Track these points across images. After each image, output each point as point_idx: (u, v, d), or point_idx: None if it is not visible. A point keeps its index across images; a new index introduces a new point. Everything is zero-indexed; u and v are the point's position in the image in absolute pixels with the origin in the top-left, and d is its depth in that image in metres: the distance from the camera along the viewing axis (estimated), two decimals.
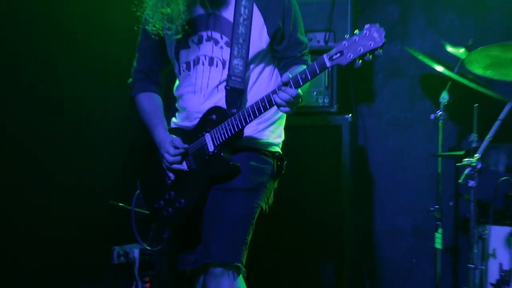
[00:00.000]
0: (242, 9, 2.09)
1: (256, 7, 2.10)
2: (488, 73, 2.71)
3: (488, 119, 2.41)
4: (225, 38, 2.11)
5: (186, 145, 2.11)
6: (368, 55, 1.86)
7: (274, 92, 1.96)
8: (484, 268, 2.56)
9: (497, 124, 2.31)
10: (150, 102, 2.24)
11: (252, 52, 2.11)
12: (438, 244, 2.99)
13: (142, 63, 2.27)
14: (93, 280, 3.04)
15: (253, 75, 2.14)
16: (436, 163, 3.07)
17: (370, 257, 3.41)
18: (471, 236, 2.39)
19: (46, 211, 2.81)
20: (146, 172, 2.24)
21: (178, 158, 2.10)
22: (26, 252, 2.73)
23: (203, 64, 2.13)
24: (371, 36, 1.84)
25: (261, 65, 2.16)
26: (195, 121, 2.13)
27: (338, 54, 1.88)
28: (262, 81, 2.16)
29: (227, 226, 2.04)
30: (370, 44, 1.84)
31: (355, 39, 1.86)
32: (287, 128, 2.25)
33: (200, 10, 2.12)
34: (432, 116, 3.02)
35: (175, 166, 2.11)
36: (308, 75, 1.91)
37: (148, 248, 2.49)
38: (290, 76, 1.92)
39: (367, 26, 1.86)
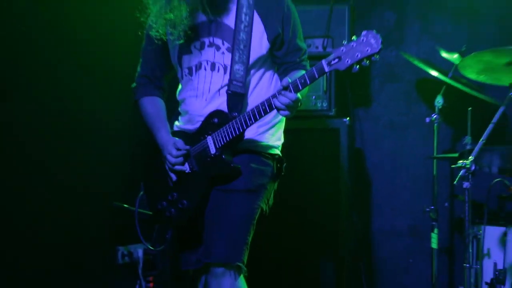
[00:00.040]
0: (243, 16, 2.09)
1: (257, 14, 2.11)
2: (481, 78, 2.71)
3: (481, 123, 2.41)
4: (226, 44, 2.11)
5: (188, 147, 2.10)
6: (365, 60, 1.86)
7: (274, 96, 1.96)
8: (479, 267, 2.54)
9: (490, 127, 2.31)
10: (153, 106, 2.24)
11: (253, 57, 2.11)
12: (434, 244, 2.98)
13: (145, 68, 2.27)
14: (98, 279, 3.03)
15: (253, 80, 2.15)
16: (431, 165, 3.07)
17: (368, 257, 3.40)
18: (466, 236, 2.38)
19: (54, 212, 2.81)
20: (149, 174, 2.24)
21: (180, 159, 2.10)
22: (35, 252, 2.72)
23: (205, 69, 2.13)
24: (368, 42, 1.84)
25: (261, 70, 2.17)
26: (197, 124, 2.13)
27: (336, 60, 1.88)
28: (262, 86, 2.16)
29: (228, 227, 2.04)
30: (367, 50, 1.85)
31: (352, 45, 1.86)
32: (286, 131, 2.25)
33: (202, 17, 2.12)
34: (428, 120, 3.02)
35: (177, 167, 2.11)
36: (307, 79, 1.92)
37: (151, 248, 2.48)
38: (290, 80, 1.92)
39: (364, 32, 1.86)
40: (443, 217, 3.20)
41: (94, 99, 2.98)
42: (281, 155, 2.20)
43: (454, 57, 2.97)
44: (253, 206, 2.09)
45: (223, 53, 2.12)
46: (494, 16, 3.27)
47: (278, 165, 2.18)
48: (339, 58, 1.88)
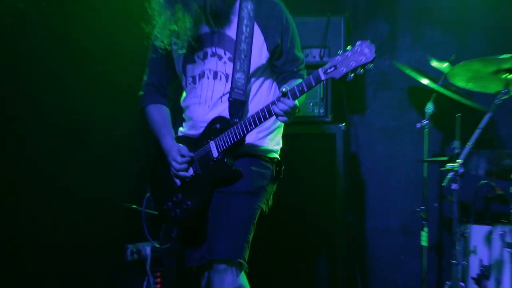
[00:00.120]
0: (244, 27, 2.09)
1: (257, 26, 2.11)
2: (470, 86, 2.70)
3: (469, 128, 2.40)
4: (228, 54, 2.11)
5: (192, 154, 2.10)
6: (359, 69, 1.87)
7: (273, 103, 1.96)
8: (466, 263, 2.54)
9: (477, 132, 2.30)
10: (159, 113, 2.24)
11: (253, 66, 2.11)
12: (424, 242, 2.97)
13: (151, 77, 2.27)
14: (109, 275, 3.03)
15: (253, 88, 2.15)
16: (422, 168, 3.06)
17: (362, 254, 3.38)
18: (454, 235, 2.37)
19: (69, 214, 2.81)
20: (155, 177, 2.24)
21: (185, 166, 2.10)
22: (51, 250, 2.73)
23: (208, 77, 2.13)
24: (362, 52, 1.84)
25: (261, 79, 2.17)
26: (201, 130, 2.13)
27: (332, 68, 1.88)
28: (262, 93, 2.16)
29: (230, 226, 2.04)
30: (361, 59, 1.85)
31: (347, 55, 1.86)
32: (285, 136, 2.25)
33: (205, 29, 2.12)
34: (419, 125, 3.01)
35: (181, 173, 2.11)
36: (305, 87, 1.92)
37: (157, 246, 2.48)
38: (288, 88, 1.92)
39: (358, 42, 1.86)
40: (432, 216, 3.19)
41: (105, 108, 2.98)
42: (279, 158, 2.20)
43: (444, 66, 2.96)
44: (254, 207, 2.09)
45: (225, 62, 2.12)
46: (482, 27, 3.26)
47: (277, 168, 2.18)
48: (335, 67, 1.88)
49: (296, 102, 1.94)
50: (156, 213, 2.23)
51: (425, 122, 2.99)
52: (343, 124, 3.08)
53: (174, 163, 2.10)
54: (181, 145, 2.14)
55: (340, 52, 1.88)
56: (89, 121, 2.93)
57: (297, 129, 2.93)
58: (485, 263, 2.50)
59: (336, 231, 3.04)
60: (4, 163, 2.58)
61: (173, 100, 2.31)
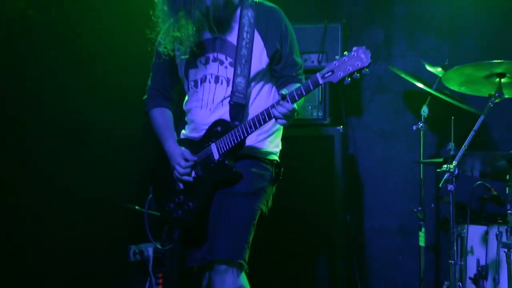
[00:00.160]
0: (245, 34, 2.10)
1: (257, 32, 2.11)
2: (463, 90, 2.70)
3: (463, 130, 2.41)
4: (229, 59, 2.12)
5: (195, 158, 2.10)
6: (356, 73, 1.87)
7: (272, 106, 1.96)
8: (463, 263, 2.53)
9: (471, 134, 2.30)
10: (162, 116, 2.24)
11: (253, 71, 2.11)
12: (422, 242, 2.96)
13: (155, 81, 2.27)
14: (112, 276, 3.01)
15: (254, 92, 2.15)
16: (418, 169, 3.06)
17: (361, 254, 3.37)
18: (451, 235, 2.36)
19: (73, 215, 2.81)
20: (158, 179, 2.23)
21: (188, 170, 2.10)
22: (55, 250, 2.72)
23: (209, 82, 2.13)
24: (359, 57, 1.85)
25: (261, 83, 2.17)
26: (202, 132, 2.13)
27: (330, 73, 1.89)
28: (262, 97, 2.16)
29: (230, 227, 2.03)
30: (358, 64, 1.85)
31: (344, 60, 1.87)
32: (285, 138, 2.25)
33: (207, 35, 2.13)
34: (414, 128, 3.01)
35: (185, 177, 2.11)
36: (303, 91, 1.92)
37: (159, 247, 2.47)
38: (287, 92, 1.92)
39: (355, 48, 1.87)
40: (429, 217, 3.18)
41: (107, 111, 2.98)
42: (279, 160, 2.20)
43: (438, 70, 2.97)
44: (254, 208, 2.08)
45: (226, 67, 2.12)
46: (474, 33, 3.27)
47: (277, 170, 2.18)
48: (332, 71, 1.88)
49: (295, 105, 1.94)
50: (158, 214, 2.23)
51: (420, 124, 2.99)
52: (341, 126, 3.08)
53: (178, 167, 2.10)
54: (184, 148, 2.14)
55: (337, 57, 1.89)
56: (94, 124, 2.93)
57: (296, 132, 2.93)
58: (482, 263, 2.48)
59: (335, 232, 3.03)
60: (9, 165, 2.58)
61: (176, 103, 2.32)
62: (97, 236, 2.91)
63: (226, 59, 2.12)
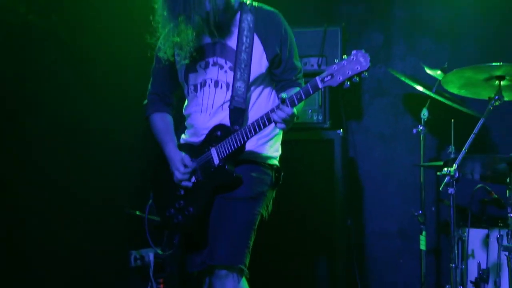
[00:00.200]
0: (244, 38, 2.08)
1: (257, 37, 2.10)
2: (462, 92, 2.69)
3: (463, 133, 2.39)
4: (229, 64, 2.10)
5: (194, 164, 2.08)
6: (355, 77, 1.85)
7: (272, 110, 1.94)
8: (464, 267, 2.51)
9: (471, 137, 2.28)
10: (162, 121, 2.22)
11: (253, 75, 2.09)
12: (423, 245, 2.94)
13: (155, 86, 2.26)
14: (113, 281, 3.00)
15: (253, 96, 2.13)
16: (418, 173, 3.04)
17: (362, 257, 3.35)
18: (451, 238, 2.34)
19: (74, 220, 2.81)
20: (158, 184, 2.22)
21: (187, 176, 2.08)
22: (56, 256, 2.71)
23: (209, 86, 2.12)
24: (358, 61, 1.83)
25: (261, 87, 2.15)
26: (202, 137, 2.11)
27: (329, 77, 1.87)
28: (262, 101, 2.14)
29: (231, 232, 2.01)
30: (357, 68, 1.84)
31: (343, 64, 1.85)
32: (285, 142, 2.22)
33: (207, 39, 2.12)
34: (414, 131, 2.99)
35: (184, 183, 2.09)
36: (303, 95, 1.91)
37: (160, 252, 2.46)
38: (287, 96, 1.91)
39: (354, 52, 1.85)
40: (430, 220, 3.16)
41: (109, 117, 2.98)
42: (279, 165, 2.18)
43: (437, 73, 2.95)
44: (254, 212, 2.06)
45: (226, 71, 2.10)
46: (474, 36, 3.26)
47: (277, 174, 2.16)
48: (332, 75, 1.87)
49: (294, 110, 1.92)
50: (159, 219, 2.21)
51: (420, 127, 2.98)
52: (341, 130, 3.06)
53: (176, 173, 2.09)
54: (183, 153, 2.12)
55: (336, 61, 1.87)
56: (94, 127, 2.92)
57: (296, 135, 2.92)
58: (483, 266, 2.46)
59: (336, 235, 3.01)
60: (11, 168, 2.57)
61: (176, 108, 2.30)
62: (99, 241, 2.90)
63: (226, 63, 2.10)
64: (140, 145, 2.95)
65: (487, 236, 2.54)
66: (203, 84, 2.13)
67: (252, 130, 1.98)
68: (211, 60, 2.12)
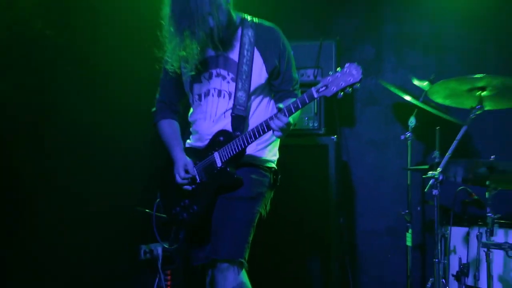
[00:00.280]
0: (245, 51, 2.11)
1: (257, 50, 2.13)
2: (447, 102, 2.70)
3: (447, 139, 2.40)
4: (231, 75, 2.13)
5: (195, 172, 2.10)
6: (348, 88, 1.87)
7: (271, 118, 1.96)
8: (447, 262, 2.52)
9: (455, 143, 2.29)
10: (169, 127, 2.25)
11: (253, 86, 2.12)
12: (409, 242, 2.95)
13: (163, 95, 2.28)
14: (124, 273, 3.02)
15: (253, 105, 2.15)
16: (406, 176, 3.05)
17: (353, 253, 3.35)
18: (435, 235, 2.35)
19: (88, 218, 2.82)
20: (165, 184, 2.24)
21: (186, 181, 2.11)
22: (72, 250, 2.73)
23: (212, 95, 2.14)
24: (351, 73, 1.85)
25: (260, 97, 2.18)
26: (206, 142, 2.14)
27: (324, 87, 1.89)
28: (261, 109, 2.17)
29: (232, 228, 2.03)
30: (350, 80, 1.86)
31: (337, 75, 1.87)
32: (282, 147, 2.25)
33: (211, 52, 2.14)
34: (402, 137, 3.00)
35: (184, 187, 2.12)
36: (299, 104, 1.93)
37: (166, 246, 2.47)
38: (284, 106, 1.94)
39: (347, 64, 1.87)
40: (416, 219, 3.16)
41: (121, 125, 2.99)
42: (276, 168, 2.20)
43: (424, 84, 2.96)
44: (253, 211, 2.08)
45: (228, 82, 2.13)
46: (458, 50, 3.27)
47: (274, 176, 2.18)
48: (326, 86, 1.89)
49: (290, 119, 1.95)
50: (166, 216, 2.23)
51: (408, 134, 2.99)
52: (335, 136, 3.07)
53: (177, 176, 2.12)
54: (189, 159, 2.14)
55: (331, 73, 1.89)
56: (109, 136, 2.94)
57: (293, 141, 2.91)
58: (464, 261, 2.47)
59: (329, 233, 3.01)
60: (31, 173, 2.59)
61: (182, 116, 2.33)
62: (112, 236, 2.92)
63: (228, 74, 2.13)
64: (149, 150, 2.97)
65: (468, 234, 2.55)
66: (207, 93, 2.15)
67: (252, 136, 2.00)
68: (214, 72, 2.15)
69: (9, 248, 2.50)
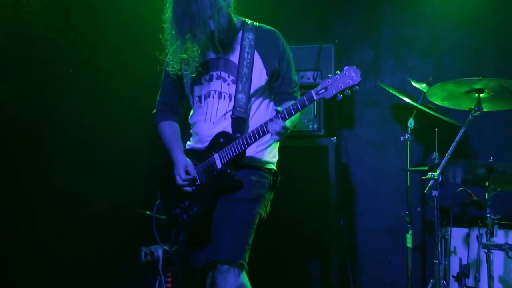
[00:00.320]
0: (246, 54, 2.10)
1: (257, 53, 2.11)
2: (445, 104, 2.69)
3: (446, 141, 2.39)
4: (231, 77, 2.11)
5: (195, 173, 2.09)
6: (347, 90, 1.86)
7: (271, 120, 1.95)
8: (447, 263, 2.50)
9: (454, 144, 2.28)
10: (170, 129, 2.23)
11: (253, 88, 2.11)
12: (409, 243, 2.93)
13: (164, 97, 2.27)
14: (125, 275, 3.00)
15: (253, 107, 2.14)
16: (405, 177, 3.03)
17: (353, 254, 3.33)
18: (435, 236, 2.33)
19: (89, 220, 2.80)
20: (165, 186, 2.22)
21: (187, 182, 2.09)
22: (73, 252, 2.72)
23: (213, 97, 2.13)
24: (350, 76, 1.84)
25: (260, 99, 2.16)
26: (206, 144, 2.12)
27: (323, 90, 1.88)
28: (261, 112, 2.15)
29: (232, 230, 2.01)
30: (349, 82, 1.84)
31: (336, 78, 1.86)
32: (282, 148, 2.23)
33: (211, 55, 2.13)
34: (401, 138, 2.99)
35: (184, 188, 2.10)
36: (299, 106, 1.92)
37: (167, 248, 2.45)
38: (282, 108, 1.93)
39: (346, 67, 1.86)
40: (416, 220, 3.14)
41: (122, 126, 2.98)
42: (276, 169, 2.18)
43: (422, 86, 2.95)
44: (253, 213, 2.06)
45: (228, 84, 2.12)
46: (455, 52, 3.26)
47: (274, 178, 2.16)
48: (326, 88, 1.87)
49: (287, 123, 1.94)
50: (166, 218, 2.21)
51: (407, 135, 2.98)
52: (335, 137, 3.06)
53: (178, 178, 2.10)
54: (189, 161, 2.12)
55: (330, 75, 1.89)
56: (109, 137, 2.92)
57: (293, 142, 2.91)
58: (464, 262, 2.45)
59: (329, 234, 2.99)
60: (33, 173, 2.57)
61: (182, 117, 2.31)
62: (112, 238, 2.90)
63: (229, 77, 2.12)
64: (149, 151, 2.96)
65: (468, 235, 2.53)
66: (208, 95, 2.14)
67: (252, 138, 1.99)
68: (215, 74, 2.13)
69: (9, 248, 2.47)
